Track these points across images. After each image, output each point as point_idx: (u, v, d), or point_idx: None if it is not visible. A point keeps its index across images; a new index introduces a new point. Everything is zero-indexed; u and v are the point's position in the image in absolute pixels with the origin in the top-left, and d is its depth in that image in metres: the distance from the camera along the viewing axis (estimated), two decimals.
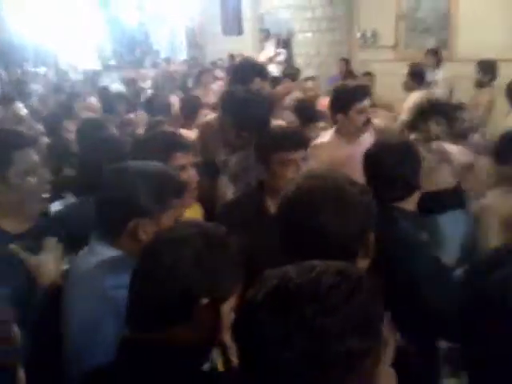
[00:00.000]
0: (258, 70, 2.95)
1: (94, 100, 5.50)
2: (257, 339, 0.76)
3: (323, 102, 4.43)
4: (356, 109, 2.61)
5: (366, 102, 2.66)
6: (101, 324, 1.25)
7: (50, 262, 1.57)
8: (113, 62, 12.01)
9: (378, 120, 4.40)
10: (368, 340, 0.75)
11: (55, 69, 10.67)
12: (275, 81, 5.43)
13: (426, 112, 2.94)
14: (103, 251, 1.37)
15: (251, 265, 1.20)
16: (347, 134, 2.69)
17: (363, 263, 1.23)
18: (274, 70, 8.03)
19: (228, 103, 2.36)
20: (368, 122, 2.69)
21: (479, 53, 5.33)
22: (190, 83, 7.78)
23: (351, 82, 3.15)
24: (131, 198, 1.35)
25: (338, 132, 2.75)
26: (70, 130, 3.10)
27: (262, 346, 0.76)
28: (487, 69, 5.14)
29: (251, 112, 2.25)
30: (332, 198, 1.18)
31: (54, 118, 3.12)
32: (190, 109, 3.95)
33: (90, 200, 1.82)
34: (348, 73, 6.73)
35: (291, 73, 6.13)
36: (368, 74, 6.42)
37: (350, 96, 2.64)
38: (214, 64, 9.81)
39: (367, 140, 2.73)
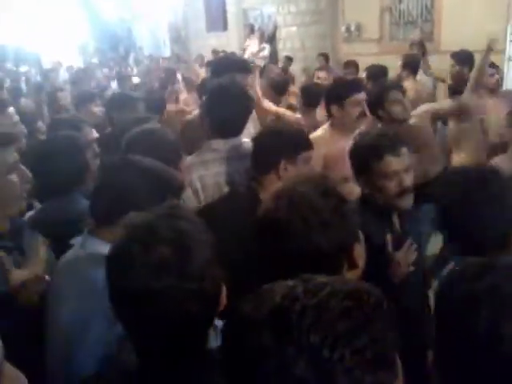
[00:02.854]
0: (237, 64, 2.89)
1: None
2: (255, 363, 0.67)
3: None
4: (351, 101, 2.62)
5: (362, 96, 2.66)
6: (89, 323, 1.18)
7: (33, 281, 1.48)
8: (95, 60, 11.84)
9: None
10: (380, 373, 0.66)
11: (38, 68, 10.50)
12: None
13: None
14: (94, 245, 1.32)
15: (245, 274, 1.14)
16: (342, 127, 2.67)
17: (351, 274, 1.17)
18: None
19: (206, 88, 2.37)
20: (363, 114, 2.67)
21: (463, 44, 5.29)
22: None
23: (348, 76, 3.15)
24: (130, 194, 1.30)
25: (332, 125, 2.73)
26: (43, 131, 2.98)
27: (259, 371, 0.66)
28: (465, 60, 4.73)
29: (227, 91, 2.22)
30: (298, 215, 1.14)
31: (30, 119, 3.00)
32: None
33: (60, 202, 1.81)
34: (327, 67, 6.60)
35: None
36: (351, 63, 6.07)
37: (345, 88, 2.66)
38: (195, 60, 9.73)
39: None
